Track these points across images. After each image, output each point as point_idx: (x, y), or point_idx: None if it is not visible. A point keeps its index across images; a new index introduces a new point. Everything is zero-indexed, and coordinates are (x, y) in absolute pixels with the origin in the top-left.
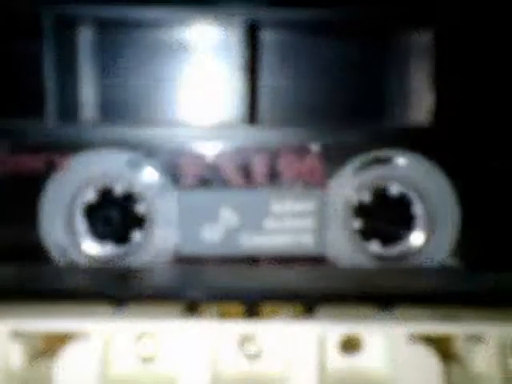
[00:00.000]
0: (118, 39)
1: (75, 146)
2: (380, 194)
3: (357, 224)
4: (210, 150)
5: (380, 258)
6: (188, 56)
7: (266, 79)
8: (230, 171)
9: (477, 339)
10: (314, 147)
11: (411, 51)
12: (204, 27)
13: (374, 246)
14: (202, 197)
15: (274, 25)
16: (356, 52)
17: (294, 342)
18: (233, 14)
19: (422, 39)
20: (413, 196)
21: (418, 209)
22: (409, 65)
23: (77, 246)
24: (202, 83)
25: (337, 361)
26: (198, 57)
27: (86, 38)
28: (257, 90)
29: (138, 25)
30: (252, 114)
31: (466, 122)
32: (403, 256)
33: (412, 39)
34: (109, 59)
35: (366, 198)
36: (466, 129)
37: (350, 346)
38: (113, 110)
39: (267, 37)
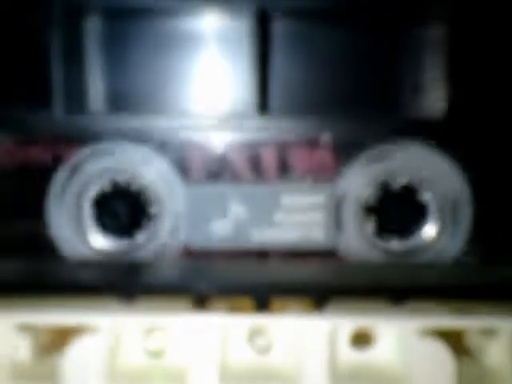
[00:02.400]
0: (127, 29)
1: (83, 138)
2: (392, 188)
3: (368, 218)
4: (219, 141)
5: (391, 252)
6: (197, 46)
7: (277, 69)
8: (240, 164)
9: (489, 333)
10: (325, 139)
11: (425, 42)
12: (214, 16)
13: (386, 241)
14: (212, 190)
15: (285, 14)
16: (369, 42)
17: (305, 336)
18: (243, 3)
19: (436, 30)
20: (425, 189)
21: (430, 202)
22: (423, 56)
23: (85, 239)
24: (212, 73)
25: (348, 355)
26: (208, 47)
27: (94, 27)
28: (267, 80)
29: (147, 14)
30: (262, 105)
31: (481, 114)
32: (415, 250)
33: (426, 30)
34: (117, 49)
35: (378, 191)
36: (481, 121)
37: (361, 340)
38: (121, 101)
39: (278, 26)
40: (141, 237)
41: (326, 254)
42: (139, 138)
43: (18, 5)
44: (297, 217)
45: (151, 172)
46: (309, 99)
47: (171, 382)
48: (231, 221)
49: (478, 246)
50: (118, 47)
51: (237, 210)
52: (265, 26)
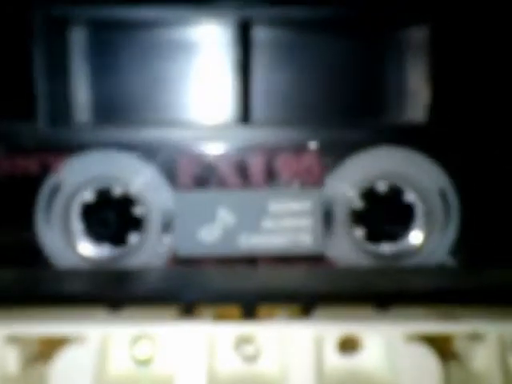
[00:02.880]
0: (110, 39)
1: (69, 148)
2: (377, 193)
3: (355, 223)
4: (206, 150)
5: (379, 257)
6: (181, 55)
7: (261, 78)
8: (227, 171)
9: (476, 338)
10: (311, 146)
11: (408, 48)
12: (197, 26)
13: (373, 246)
14: (199, 197)
15: (268, 22)
16: (352, 49)
17: (292, 343)
18: (226, 12)
19: (419, 36)
20: (411, 194)
21: (416, 207)
22: (406, 62)
23: (73, 248)
24: (195, 83)
25: (335, 361)
26: (192, 56)
27: (78, 38)
28: (251, 88)
29: (131, 25)
30: (247, 114)
31: (464, 119)
32: (402, 255)
33: (409, 36)
34: (101, 60)
35: (363, 196)
36: (465, 125)
37: (348, 346)
38: (107, 111)
39: (261, 35)
40: (129, 244)
41: (314, 260)
42: (126, 147)
43: (1, 15)
44: (285, 223)
45: (139, 180)
46: (294, 107)
47: None
48: (219, 227)
49: (464, 250)
50: (102, 57)
51: (225, 216)
52: (248, 34)
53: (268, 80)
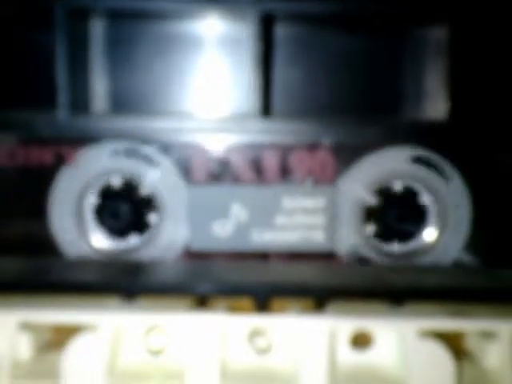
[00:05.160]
0: (130, 31)
1: (86, 139)
2: (391, 191)
3: (368, 220)
4: (221, 144)
5: (391, 254)
6: (200, 48)
7: (280, 73)
8: (241, 166)
9: (489, 335)
10: (326, 142)
11: (427, 46)
12: (217, 19)
13: (386, 243)
14: (213, 192)
15: (288, 18)
16: (370, 46)
17: (304, 337)
18: (246, 7)
19: (438, 34)
20: (425, 193)
21: (430, 206)
22: (424, 60)
23: (86, 239)
24: (214, 76)
25: (347, 356)
26: (211, 49)
27: (97, 29)
28: (270, 83)
29: (150, 17)
30: (265, 108)
31: (482, 119)
32: (415, 253)
33: (428, 34)
34: (121, 51)
35: (378, 194)
36: (481, 125)
37: (360, 341)
38: (124, 102)
39: (281, 30)
40: (142, 237)
41: (326, 257)
42: (142, 139)
43: (22, 6)
44: (297, 219)
45: (153, 173)
46: (311, 102)
47: (171, 381)
48: (232, 222)
49: (478, 248)
50: (121, 49)
51: (238, 211)
52: (268, 29)
53: (287, 75)
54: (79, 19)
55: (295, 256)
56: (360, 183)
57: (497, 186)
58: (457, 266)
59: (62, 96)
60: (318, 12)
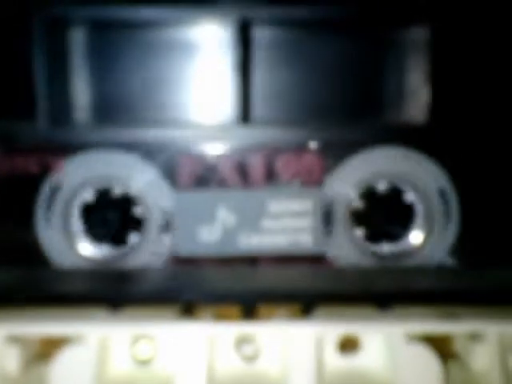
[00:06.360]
0: (111, 40)
1: (70, 148)
2: (377, 193)
3: (355, 223)
4: (206, 150)
5: (379, 257)
6: (181, 56)
7: (260, 78)
8: (227, 171)
9: (476, 337)
10: (312, 146)
11: (408, 48)
12: (197, 26)
13: (373, 245)
14: (199, 197)
15: (268, 23)
16: (351, 49)
17: (292, 343)
18: (226, 12)
19: (419, 36)
20: (411, 194)
21: (416, 207)
22: (406, 62)
23: (73, 247)
24: (196, 83)
25: (335, 361)
26: (192, 56)
27: (78, 38)
28: (251, 88)
29: (131, 25)
30: (247, 114)
31: (464, 119)
32: (402, 255)
33: (409, 36)
34: (101, 60)
35: (364, 196)
36: (464, 125)
37: (348, 346)
38: (106, 111)
39: (261, 35)
40: (129, 244)
41: (314, 260)
42: (126, 147)
43: (1, 15)
44: (285, 223)
45: (139, 180)
46: (294, 106)
47: None
48: (219, 227)
49: (464, 250)
50: (102, 57)
51: (225, 216)
52: (248, 34)
53: (268, 80)
54: (59, 28)
55: (283, 260)
56: (347, 185)
57: (482, 186)
58: (443, 267)
59: (43, 106)
60: (298, 16)
